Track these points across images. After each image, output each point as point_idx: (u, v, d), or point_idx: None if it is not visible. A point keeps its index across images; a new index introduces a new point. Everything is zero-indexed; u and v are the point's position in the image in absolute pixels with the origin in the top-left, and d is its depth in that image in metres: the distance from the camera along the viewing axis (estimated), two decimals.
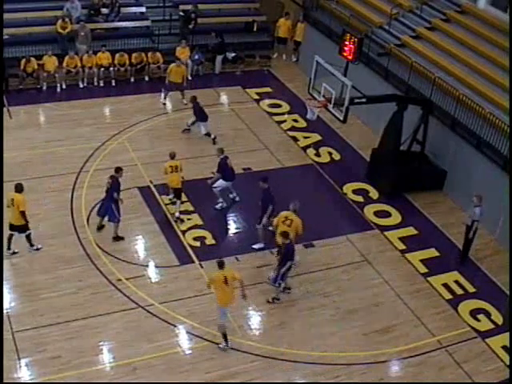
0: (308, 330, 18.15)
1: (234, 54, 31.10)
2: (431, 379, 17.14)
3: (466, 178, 23.10)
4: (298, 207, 19.32)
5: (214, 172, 22.00)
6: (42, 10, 29.63)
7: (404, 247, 21.45)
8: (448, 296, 19.79)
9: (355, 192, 23.74)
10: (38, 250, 19.44)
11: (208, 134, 25.54)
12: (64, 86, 28.21)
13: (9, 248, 19.08)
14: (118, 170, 20.16)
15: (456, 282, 20.31)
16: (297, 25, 32.30)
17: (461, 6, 27.93)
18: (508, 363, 17.64)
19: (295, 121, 27.67)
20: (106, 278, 18.88)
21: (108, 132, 25.36)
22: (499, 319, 19.07)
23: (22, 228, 19.01)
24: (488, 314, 19.24)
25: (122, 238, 20.29)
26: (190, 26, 30.95)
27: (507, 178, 21.19)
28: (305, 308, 18.84)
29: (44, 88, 27.89)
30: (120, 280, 18.85)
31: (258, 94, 29.64)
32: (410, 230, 22.19)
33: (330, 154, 25.83)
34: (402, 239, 21.76)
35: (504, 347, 18.14)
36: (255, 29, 32.71)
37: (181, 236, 20.76)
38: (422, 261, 20.95)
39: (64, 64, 27.98)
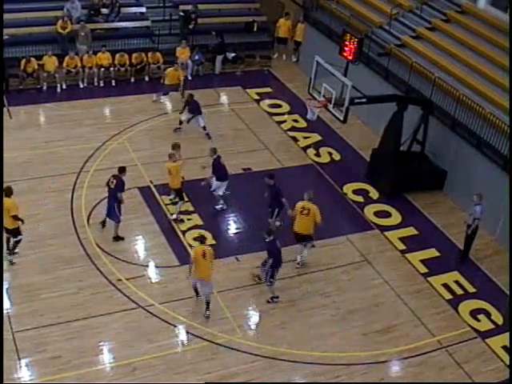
0: (308, 330, 18.16)
1: (234, 54, 31.09)
2: (431, 379, 17.14)
3: (466, 178, 23.10)
4: (312, 196, 19.59)
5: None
6: (42, 11, 29.62)
7: (404, 247, 21.45)
8: (448, 296, 19.79)
9: (355, 192, 23.74)
10: (13, 256, 19.03)
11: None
12: (64, 86, 28.21)
13: (8, 249, 19.05)
14: (122, 169, 20.18)
15: (456, 282, 20.31)
16: (297, 25, 32.29)
17: (461, 6, 27.92)
18: (508, 363, 17.63)
19: (295, 121, 27.67)
20: (106, 278, 18.88)
21: (108, 132, 25.36)
22: (499, 319, 19.07)
23: (15, 232, 18.75)
24: (488, 314, 19.24)
25: (122, 239, 20.30)
26: (190, 26, 30.95)
27: (507, 178, 21.19)
28: (305, 308, 18.84)
29: (44, 88, 27.89)
30: (120, 280, 18.85)
31: (258, 94, 29.63)
32: (410, 230, 22.19)
33: (330, 154, 25.83)
34: (402, 239, 21.76)
35: (504, 347, 18.14)
36: (255, 29, 32.71)
37: (181, 236, 20.75)
38: (422, 261, 20.95)
39: (64, 64, 27.97)
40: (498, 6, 26.55)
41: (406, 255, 21.16)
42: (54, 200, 21.60)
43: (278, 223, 20.89)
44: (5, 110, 25.07)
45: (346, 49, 22.06)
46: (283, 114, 28.31)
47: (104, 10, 30.34)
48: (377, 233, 22.02)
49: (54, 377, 15.87)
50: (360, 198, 23.46)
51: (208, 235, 20.70)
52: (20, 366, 16.01)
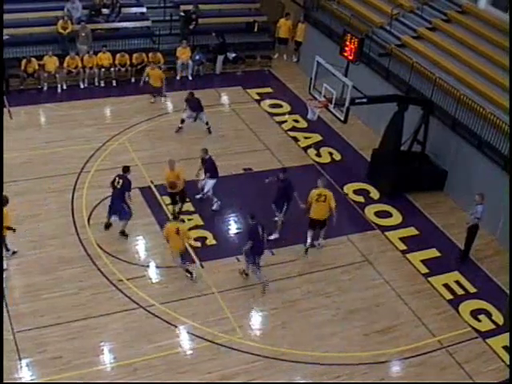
0: (309, 330, 18.15)
1: (234, 55, 31.09)
2: (432, 379, 17.13)
3: (466, 178, 23.10)
4: (326, 182, 20.48)
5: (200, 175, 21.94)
6: (42, 11, 29.63)
7: (405, 247, 21.44)
8: (449, 296, 19.78)
9: (356, 192, 23.74)
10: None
11: (207, 123, 25.82)
12: (65, 87, 28.23)
13: (7, 249, 19.02)
14: (126, 169, 20.25)
15: (457, 282, 20.31)
16: (297, 25, 32.30)
17: (461, 6, 27.93)
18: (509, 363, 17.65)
19: (296, 121, 27.67)
20: (106, 278, 18.89)
21: (109, 132, 25.37)
22: (500, 319, 19.06)
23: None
24: (489, 315, 19.23)
25: (126, 236, 20.31)
26: (191, 27, 30.97)
27: (508, 178, 21.17)
28: (305, 308, 18.84)
29: (45, 88, 27.91)
30: (121, 280, 18.85)
31: (258, 94, 29.64)
32: (411, 231, 22.19)
33: (331, 154, 25.83)
34: (402, 239, 21.76)
35: (505, 347, 18.12)
36: (256, 29, 32.74)
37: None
38: (422, 261, 20.95)
39: (65, 64, 27.99)
40: (498, 6, 26.54)
41: (407, 255, 21.15)
42: (54, 200, 21.61)
43: (281, 218, 21.16)
44: (5, 110, 25.09)
45: (347, 49, 22.07)
46: (284, 114, 28.32)
47: (104, 11, 30.36)
48: (377, 233, 22.02)
49: (55, 377, 15.87)
50: (361, 198, 23.46)
51: (209, 235, 20.75)
52: (21, 366, 16.01)
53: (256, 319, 18.45)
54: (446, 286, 20.13)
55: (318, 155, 25.66)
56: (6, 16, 26.94)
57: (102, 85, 28.72)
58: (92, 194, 21.87)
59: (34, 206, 21.15)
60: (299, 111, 27.60)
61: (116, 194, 20.11)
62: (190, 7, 31.47)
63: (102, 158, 23.80)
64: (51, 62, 27.75)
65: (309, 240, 20.69)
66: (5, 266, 18.48)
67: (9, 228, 18.43)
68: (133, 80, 29.25)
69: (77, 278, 18.76)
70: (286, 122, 27.69)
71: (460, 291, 20.00)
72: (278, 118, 27.87)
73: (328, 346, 17.70)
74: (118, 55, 28.95)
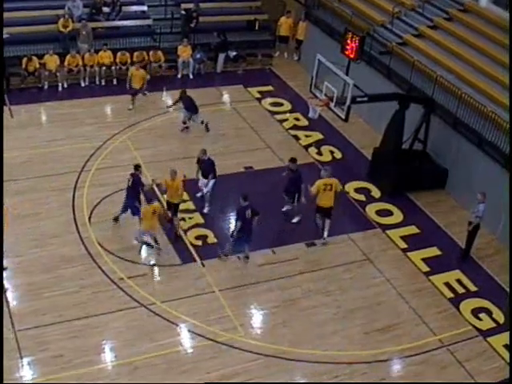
0: (310, 328, 18.16)
1: (235, 53, 31.06)
2: (433, 378, 17.13)
3: (467, 176, 23.08)
4: (329, 172, 20.84)
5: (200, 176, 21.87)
6: (43, 9, 29.60)
7: (406, 246, 21.44)
8: (450, 295, 19.78)
9: (357, 191, 23.73)
10: None
11: (202, 122, 25.80)
12: (65, 85, 28.22)
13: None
14: (138, 167, 20.41)
15: (458, 280, 20.30)
16: (298, 23, 32.29)
17: (463, 4, 27.90)
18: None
19: (297, 119, 27.66)
20: (107, 276, 18.89)
21: (109, 131, 25.37)
22: (501, 318, 19.05)
23: None
24: (490, 313, 19.22)
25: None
26: (192, 25, 30.93)
27: (509, 176, 21.16)
28: (306, 307, 18.84)
29: (45, 87, 27.90)
30: (122, 279, 18.86)
31: (259, 92, 29.62)
32: (412, 229, 22.18)
33: (332, 152, 25.82)
34: (403, 238, 21.75)
35: (505, 346, 18.12)
36: (257, 27, 32.69)
37: (182, 235, 20.75)
38: (423, 259, 20.94)
39: (65, 63, 27.96)
40: (499, 4, 26.53)
41: (408, 254, 21.15)
42: (55, 199, 21.61)
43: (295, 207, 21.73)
44: (6, 108, 25.09)
45: (348, 47, 22.05)
46: (285, 112, 28.29)
47: (105, 9, 30.35)
48: (378, 231, 22.02)
49: (56, 376, 15.88)
50: (362, 197, 23.45)
51: (209, 234, 20.75)
52: (22, 365, 16.03)
53: (257, 318, 18.46)
54: (447, 284, 20.13)
55: (319, 154, 25.64)
56: (6, 14, 26.91)
57: (103, 83, 28.71)
58: (93, 193, 21.87)
59: (35, 204, 21.15)
60: (300, 109, 27.59)
61: (128, 192, 20.34)
62: (191, 5, 31.42)
63: (102, 157, 23.79)
64: (52, 61, 27.73)
65: (318, 221, 21.22)
66: (5, 265, 18.48)
67: None
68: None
69: (78, 277, 18.77)
70: (286, 120, 27.67)
71: (461, 290, 20.00)
72: (278, 117, 27.85)
73: (329, 345, 17.70)
74: (118, 53, 28.92)
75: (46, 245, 19.73)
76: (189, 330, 17.64)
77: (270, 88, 30.15)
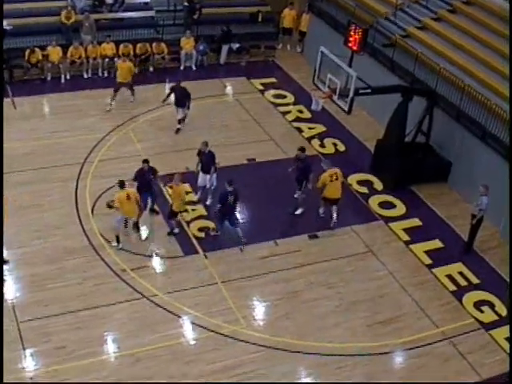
0: (312, 320, 18.18)
1: (238, 45, 31.03)
2: (435, 370, 17.14)
3: (470, 169, 23.06)
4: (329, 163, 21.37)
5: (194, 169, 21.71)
6: (46, 1, 29.53)
7: (408, 238, 21.44)
8: (452, 287, 19.78)
9: (360, 183, 23.72)
10: None
11: (182, 120, 25.32)
12: (68, 77, 28.20)
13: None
14: (145, 161, 20.36)
15: (460, 273, 20.30)
16: (302, 15, 32.28)
17: None
18: None
19: (300, 111, 27.64)
20: (110, 268, 18.91)
21: (112, 123, 25.36)
22: (503, 311, 19.06)
23: None
24: (492, 306, 19.23)
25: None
26: (195, 17, 30.89)
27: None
28: (309, 299, 18.85)
29: (48, 79, 27.88)
30: (125, 270, 18.88)
31: (262, 84, 29.61)
32: (415, 222, 22.18)
33: (335, 145, 25.81)
34: (406, 230, 21.75)
35: (507, 338, 18.13)
36: (260, 19, 32.65)
37: (185, 227, 20.76)
38: (426, 252, 20.95)
39: (68, 54, 27.94)
40: None
41: (410, 246, 21.15)
42: (58, 190, 21.62)
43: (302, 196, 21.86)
44: (9, 100, 25.09)
45: (351, 39, 22.01)
46: (288, 104, 28.28)
47: (108, 0, 30.26)
48: (381, 224, 22.02)
49: (59, 367, 15.91)
50: (365, 189, 23.44)
51: (212, 225, 20.73)
52: (25, 356, 16.05)
53: (259, 310, 18.47)
54: (450, 277, 20.13)
55: (322, 146, 25.64)
56: (9, 6, 26.97)
57: (106, 75, 28.68)
58: (96, 184, 21.87)
59: (38, 196, 21.16)
60: (303, 102, 27.55)
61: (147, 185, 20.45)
62: None
63: (105, 148, 23.79)
64: (55, 52, 27.69)
65: (321, 212, 21.69)
66: (6, 258, 18.49)
67: None
68: (137, 70, 29.15)
69: (81, 268, 18.79)
70: (290, 112, 27.66)
71: (463, 282, 20.00)
72: (281, 109, 27.84)
73: (331, 337, 17.71)
74: (121, 45, 28.83)
75: (48, 236, 19.75)
76: (191, 322, 17.66)
77: (273, 80, 30.14)
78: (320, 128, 26.64)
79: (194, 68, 30.20)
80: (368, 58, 25.92)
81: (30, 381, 15.55)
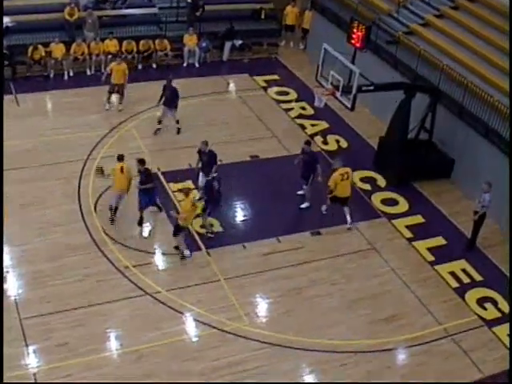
0: (315, 317, 18.17)
1: (241, 42, 31.03)
2: (438, 367, 17.11)
3: (473, 166, 23.04)
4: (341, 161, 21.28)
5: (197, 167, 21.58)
6: None
7: (411, 235, 21.42)
8: (455, 284, 19.76)
9: (363, 180, 23.70)
10: None
11: (159, 122, 24.86)
12: (71, 74, 28.21)
13: None
14: (140, 162, 20.13)
15: (463, 270, 20.28)
16: (304, 12, 32.28)
17: None
18: None
19: (303, 108, 27.63)
20: (113, 265, 18.92)
21: (115, 119, 25.36)
22: (506, 308, 19.04)
23: None
24: (495, 303, 19.22)
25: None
26: (198, 14, 30.86)
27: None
28: (311, 296, 18.85)
29: (51, 75, 27.88)
30: (127, 267, 18.88)
31: (265, 81, 29.59)
32: (418, 218, 22.16)
33: (338, 141, 25.79)
34: (409, 227, 21.73)
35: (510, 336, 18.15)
36: (263, 16, 32.64)
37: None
38: (429, 249, 20.93)
39: (71, 51, 27.94)
40: None
41: (413, 243, 21.13)
42: (60, 187, 21.63)
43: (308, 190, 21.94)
44: (12, 97, 25.10)
45: (354, 36, 21.98)
46: (291, 101, 28.26)
47: None
48: (384, 221, 22.00)
49: (61, 364, 15.91)
50: (367, 186, 23.42)
51: (215, 222, 20.73)
52: (27, 353, 16.06)
53: (262, 307, 18.48)
54: (453, 274, 20.11)
55: (325, 143, 25.62)
56: (12, 2, 26.98)
57: (108, 72, 28.63)
58: (98, 181, 21.82)
59: (41, 192, 21.17)
60: (306, 98, 27.53)
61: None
62: None
63: (108, 145, 23.78)
64: (58, 49, 27.70)
65: (325, 207, 21.41)
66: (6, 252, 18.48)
67: None
68: (139, 67, 29.22)
69: (83, 265, 18.79)
70: (292, 109, 27.65)
71: (466, 279, 19.98)
72: (284, 106, 27.83)
73: (333, 334, 17.70)
74: (124, 42, 28.90)
75: (51, 233, 19.76)
76: (194, 319, 17.66)
77: (275, 77, 30.12)
78: (323, 125, 26.63)
79: (196, 65, 30.20)
80: (371, 55, 25.85)
81: (32, 377, 15.55)
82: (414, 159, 23.57)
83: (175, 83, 25.18)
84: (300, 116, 27.18)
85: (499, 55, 24.38)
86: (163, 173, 22.59)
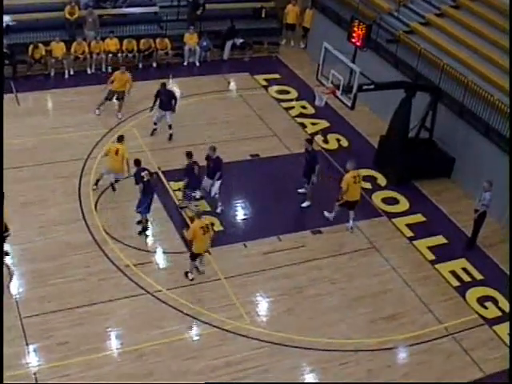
0: (315, 316, 18.17)
1: (241, 41, 31.01)
2: (438, 366, 17.13)
3: (474, 165, 23.04)
4: (355, 163, 20.94)
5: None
6: None
7: (412, 234, 21.42)
8: (456, 283, 19.77)
9: (363, 179, 23.46)
10: None
11: (155, 123, 24.66)
12: (72, 72, 28.21)
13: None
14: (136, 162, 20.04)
15: (464, 269, 20.28)
16: (305, 11, 32.27)
17: None
18: None
19: (303, 107, 27.63)
20: (113, 264, 18.92)
21: (115, 118, 25.34)
22: (506, 306, 19.04)
23: None
24: (495, 302, 19.22)
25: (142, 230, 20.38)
26: (198, 12, 30.85)
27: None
28: (312, 295, 18.85)
29: (52, 74, 27.88)
30: (128, 266, 18.88)
31: (266, 80, 29.59)
32: (418, 217, 22.16)
33: (338, 140, 25.79)
34: (409, 226, 21.73)
35: (510, 335, 18.13)
36: (263, 15, 32.63)
37: (189, 222, 20.74)
38: (429, 248, 20.93)
39: (72, 50, 27.93)
40: None
41: (414, 242, 21.13)
42: (61, 186, 21.63)
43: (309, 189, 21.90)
44: (13, 96, 25.10)
45: (355, 35, 21.91)
46: (291, 100, 28.26)
47: None
48: (384, 220, 22.00)
49: (62, 362, 15.92)
50: (368, 185, 23.40)
51: (215, 221, 20.72)
52: (28, 352, 16.06)
53: (263, 305, 18.48)
54: (453, 272, 20.12)
55: (326, 141, 25.62)
56: (13, 1, 26.96)
57: (109, 70, 28.61)
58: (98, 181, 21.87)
59: (41, 191, 21.17)
60: (307, 97, 27.52)
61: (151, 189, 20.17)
62: None
63: (109, 144, 23.73)
64: (58, 48, 27.69)
65: (332, 215, 21.28)
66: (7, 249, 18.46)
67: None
68: (140, 66, 29.20)
69: (84, 264, 18.79)
70: (293, 108, 27.65)
71: (467, 278, 19.99)
72: (285, 104, 27.82)
73: (334, 333, 17.71)
74: (125, 41, 28.89)
75: (51, 232, 19.76)
76: (194, 318, 17.65)
77: (276, 76, 30.11)
78: (323, 123, 26.62)
79: (197, 64, 30.19)
80: (371, 54, 25.81)
81: (33, 376, 15.55)
82: (415, 158, 23.56)
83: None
84: (300, 115, 27.17)
85: (500, 54, 24.38)
86: (164, 172, 22.59)
